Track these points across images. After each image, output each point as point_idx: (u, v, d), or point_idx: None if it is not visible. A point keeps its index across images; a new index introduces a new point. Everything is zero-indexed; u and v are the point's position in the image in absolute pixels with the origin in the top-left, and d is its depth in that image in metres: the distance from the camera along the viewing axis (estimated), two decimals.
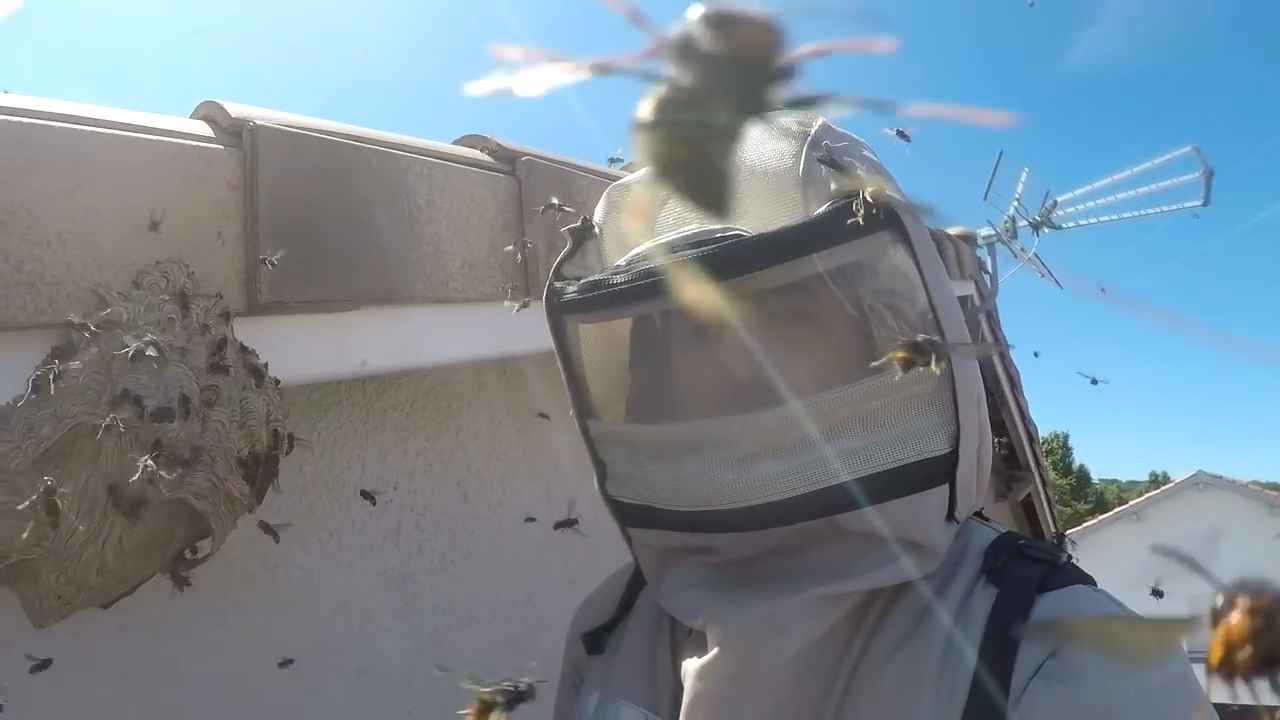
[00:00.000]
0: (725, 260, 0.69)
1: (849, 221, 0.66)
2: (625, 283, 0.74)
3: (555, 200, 1.36)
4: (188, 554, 1.00)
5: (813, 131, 0.78)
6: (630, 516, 0.80)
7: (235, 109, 1.11)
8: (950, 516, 0.72)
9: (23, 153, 0.89)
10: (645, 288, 0.73)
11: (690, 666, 0.72)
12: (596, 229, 0.87)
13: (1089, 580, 0.70)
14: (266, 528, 1.21)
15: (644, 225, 0.83)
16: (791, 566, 0.73)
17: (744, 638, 0.70)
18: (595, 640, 0.88)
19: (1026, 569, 0.69)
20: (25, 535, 0.77)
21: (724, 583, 0.75)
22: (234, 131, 1.10)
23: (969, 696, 0.63)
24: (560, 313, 0.82)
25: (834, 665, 0.70)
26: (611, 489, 0.81)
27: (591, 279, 0.78)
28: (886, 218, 0.69)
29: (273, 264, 1.03)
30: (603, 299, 0.77)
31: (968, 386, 0.72)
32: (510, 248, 1.39)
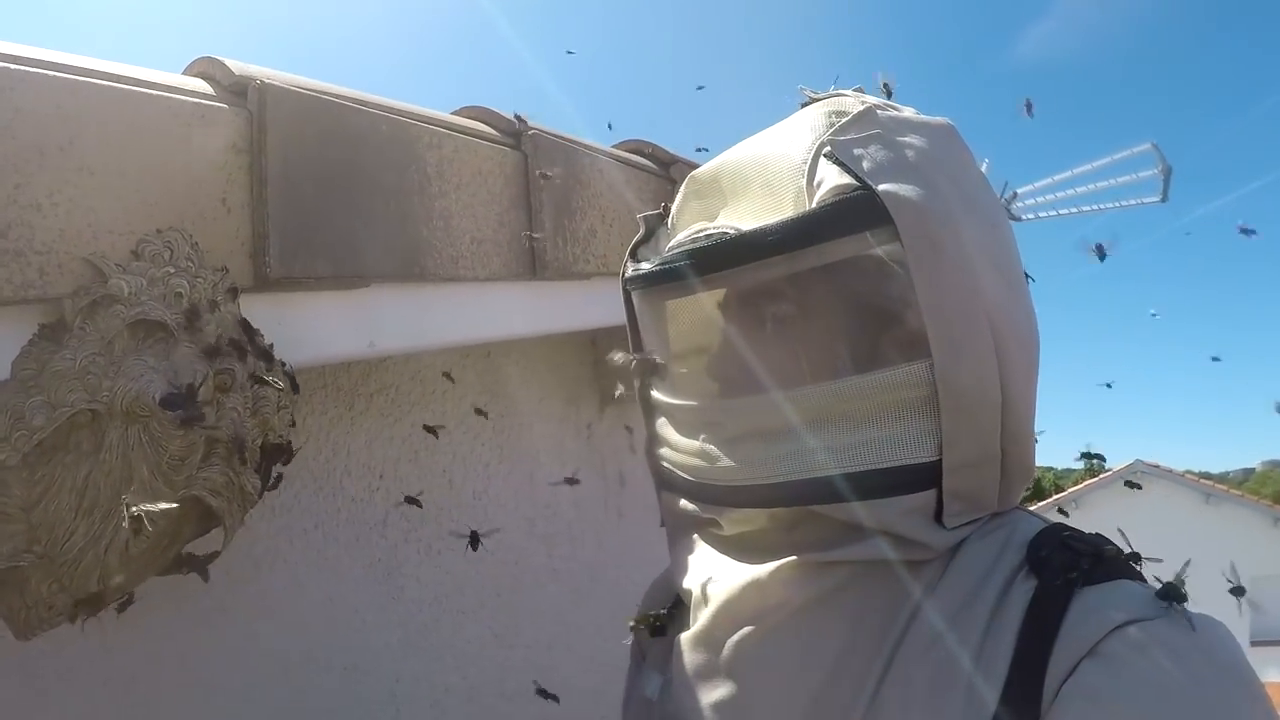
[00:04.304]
0: (704, 259, 0.74)
1: (832, 222, 0.68)
2: (648, 270, 0.81)
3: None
4: (182, 553, 0.91)
5: (842, 123, 0.75)
6: (661, 479, 0.86)
7: (237, 66, 1.00)
8: (938, 519, 0.70)
9: (8, 102, 0.77)
10: (652, 276, 0.80)
11: (683, 637, 0.75)
12: (670, 220, 0.89)
13: (1135, 574, 0.68)
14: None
15: (692, 216, 0.85)
16: (783, 539, 0.75)
17: (730, 602, 0.74)
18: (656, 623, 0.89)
19: (1070, 561, 0.67)
20: (14, 540, 0.68)
21: (722, 553, 0.79)
22: (237, 91, 0.99)
23: (1003, 690, 0.61)
24: (625, 288, 0.88)
25: (866, 659, 0.68)
26: (654, 450, 0.87)
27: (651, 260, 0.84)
28: (872, 217, 0.67)
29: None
30: (633, 280, 0.85)
31: (962, 396, 0.68)
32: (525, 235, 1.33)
